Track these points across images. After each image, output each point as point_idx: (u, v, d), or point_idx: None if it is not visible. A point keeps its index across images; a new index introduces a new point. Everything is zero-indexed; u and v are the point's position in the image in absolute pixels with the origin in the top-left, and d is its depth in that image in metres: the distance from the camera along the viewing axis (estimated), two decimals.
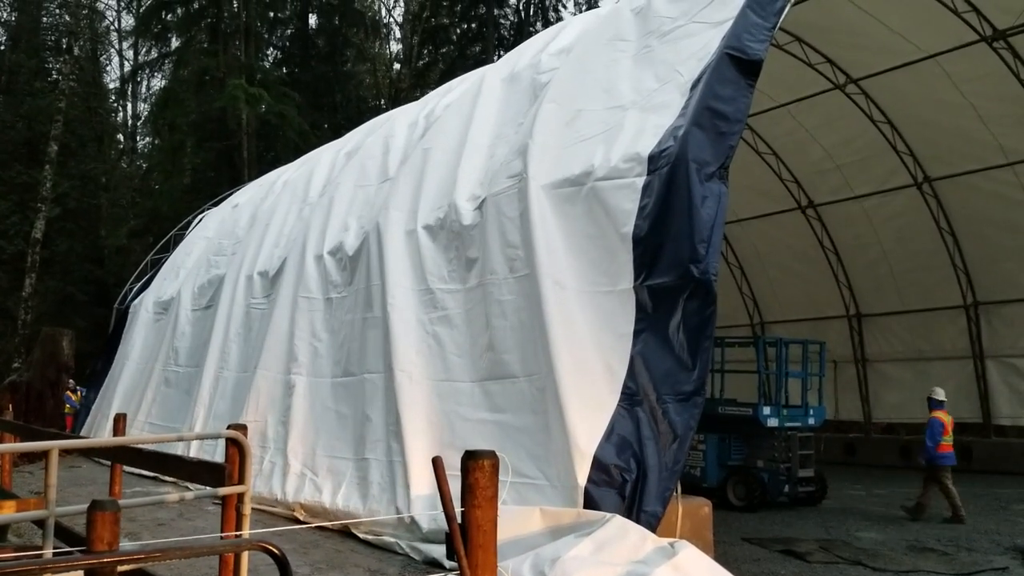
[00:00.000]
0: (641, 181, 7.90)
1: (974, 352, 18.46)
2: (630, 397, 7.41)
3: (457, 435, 8.68)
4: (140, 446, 5.68)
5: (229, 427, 4.74)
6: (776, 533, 10.61)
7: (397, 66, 42.95)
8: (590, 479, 7.19)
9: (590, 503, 7.10)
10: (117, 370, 18.70)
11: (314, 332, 11.78)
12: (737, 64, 7.91)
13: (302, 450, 10.78)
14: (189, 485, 8.49)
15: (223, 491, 4.46)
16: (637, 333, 7.56)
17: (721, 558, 6.57)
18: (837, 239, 20.42)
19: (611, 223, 8.05)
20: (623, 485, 7.07)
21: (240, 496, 4.49)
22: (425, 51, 40.76)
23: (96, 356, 22.31)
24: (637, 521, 6.88)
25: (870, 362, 20.40)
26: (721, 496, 12.53)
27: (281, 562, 2.49)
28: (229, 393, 13.37)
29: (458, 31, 40.66)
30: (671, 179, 7.60)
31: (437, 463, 3.22)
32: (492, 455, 3.15)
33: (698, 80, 8.11)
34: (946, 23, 15.32)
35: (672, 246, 7.47)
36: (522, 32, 36.20)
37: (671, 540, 6.61)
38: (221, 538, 4.49)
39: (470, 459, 3.16)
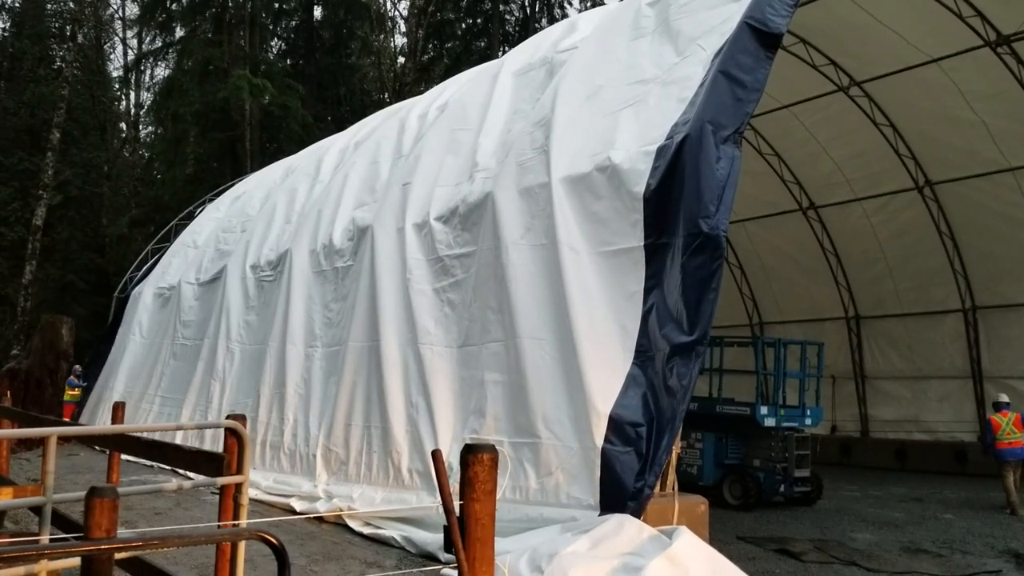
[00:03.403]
0: (655, 146, 8.05)
1: (973, 372, 18.44)
2: (643, 354, 7.58)
3: (476, 399, 8.87)
4: (139, 435, 5.69)
5: (228, 417, 4.75)
6: (771, 532, 10.64)
7: (401, 60, 42.87)
8: (607, 439, 7.36)
9: (607, 463, 7.25)
10: (118, 354, 18.78)
11: (327, 304, 11.92)
12: (757, 35, 8.05)
13: (324, 422, 10.84)
14: (189, 474, 8.53)
15: (221, 481, 4.47)
16: (648, 290, 7.75)
17: None
18: (837, 241, 20.42)
19: (623, 183, 8.21)
20: (638, 442, 7.22)
21: (239, 486, 4.51)
22: (430, 46, 40.73)
23: (96, 343, 22.32)
24: (649, 473, 7.03)
25: (869, 379, 20.41)
26: (717, 495, 12.56)
27: (279, 552, 2.51)
28: (244, 366, 13.58)
29: (463, 26, 40.61)
30: (686, 139, 7.74)
31: (436, 456, 3.23)
32: (491, 449, 3.17)
33: (719, 51, 8.25)
34: (951, 28, 15.30)
35: (683, 203, 7.62)
36: (527, 28, 36.16)
37: (668, 528, 6.63)
38: (219, 527, 4.50)
39: (469, 453, 3.18)
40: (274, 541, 2.49)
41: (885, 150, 18.29)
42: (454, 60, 37.14)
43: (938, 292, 18.92)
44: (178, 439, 13.42)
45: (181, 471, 9.67)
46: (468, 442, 8.52)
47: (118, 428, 6.10)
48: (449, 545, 3.09)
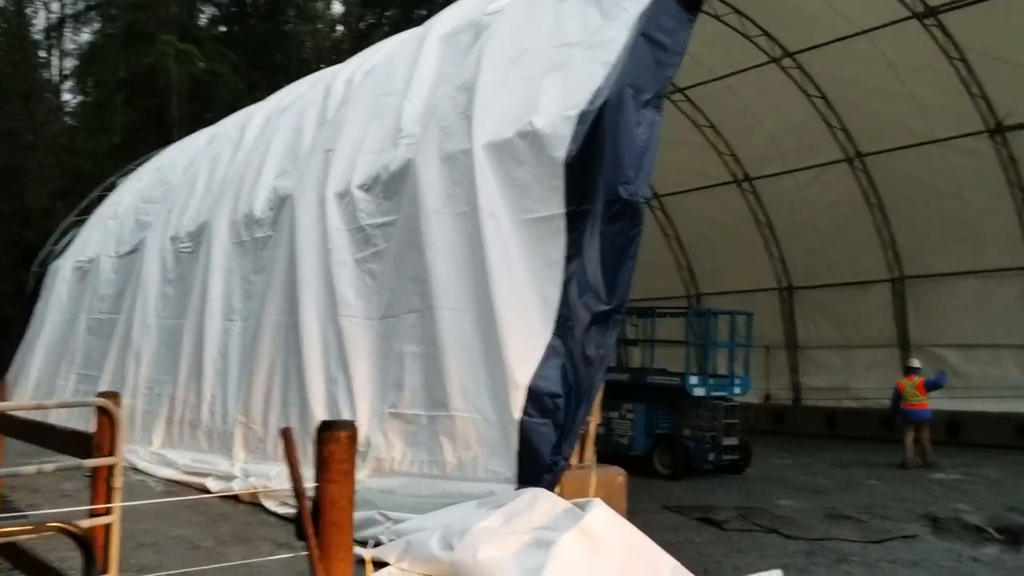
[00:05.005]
0: (578, 111, 7.89)
1: (900, 340, 18.80)
2: (563, 324, 7.46)
3: (394, 372, 8.65)
4: (14, 413, 5.33)
5: (99, 395, 4.44)
6: (699, 501, 10.67)
7: (342, 28, 41.76)
8: (525, 411, 7.25)
9: (525, 436, 7.16)
10: (36, 330, 18.07)
11: (246, 276, 11.55)
12: None
13: (242, 399, 10.48)
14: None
15: (91, 463, 4.17)
16: (569, 259, 7.63)
17: (639, 527, 6.48)
18: (771, 212, 20.57)
19: (544, 149, 8.03)
20: (555, 413, 7.14)
21: (110, 468, 4.21)
22: (368, 13, 39.70)
23: (15, 320, 21.38)
24: (565, 444, 6.99)
25: (801, 348, 20.70)
26: (648, 465, 12.61)
27: (83, 543, 2.26)
28: (162, 341, 13.12)
29: None
30: (606, 104, 7.60)
31: (286, 435, 2.99)
32: (350, 425, 2.94)
33: (642, 13, 8.10)
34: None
35: (603, 169, 7.48)
36: None
37: (582, 500, 6.52)
38: (90, 514, 4.20)
39: (325, 430, 2.94)
40: (77, 532, 2.25)
41: (817, 122, 18.40)
42: (393, 27, 36.23)
43: (868, 263, 19.20)
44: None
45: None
46: (386, 415, 8.36)
47: None
48: (301, 533, 2.86)
